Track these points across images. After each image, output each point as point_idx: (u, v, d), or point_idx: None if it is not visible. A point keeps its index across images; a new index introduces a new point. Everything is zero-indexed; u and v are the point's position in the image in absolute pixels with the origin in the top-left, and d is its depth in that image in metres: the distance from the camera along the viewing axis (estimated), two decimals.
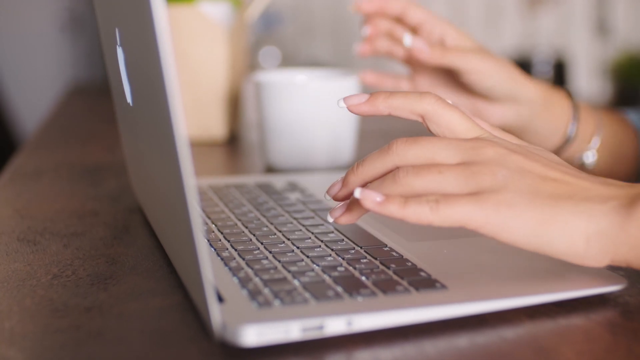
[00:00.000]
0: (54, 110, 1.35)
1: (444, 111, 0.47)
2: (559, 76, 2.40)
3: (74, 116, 1.31)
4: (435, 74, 0.74)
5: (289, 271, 0.46)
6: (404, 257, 0.50)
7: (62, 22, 2.21)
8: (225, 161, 0.95)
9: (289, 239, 0.53)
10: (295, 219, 0.59)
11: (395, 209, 0.43)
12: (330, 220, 0.47)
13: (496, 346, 0.41)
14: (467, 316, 0.43)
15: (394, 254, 0.50)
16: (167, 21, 0.36)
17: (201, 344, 0.41)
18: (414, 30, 0.73)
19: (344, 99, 0.49)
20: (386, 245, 0.52)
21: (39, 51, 2.20)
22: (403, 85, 0.75)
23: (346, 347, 0.40)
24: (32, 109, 2.12)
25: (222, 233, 0.55)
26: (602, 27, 2.51)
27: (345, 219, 0.47)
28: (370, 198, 0.44)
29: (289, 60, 1.99)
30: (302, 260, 0.49)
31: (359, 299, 0.43)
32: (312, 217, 0.59)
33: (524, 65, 2.40)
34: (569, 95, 0.74)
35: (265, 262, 0.48)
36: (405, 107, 0.48)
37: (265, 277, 0.45)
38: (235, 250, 0.51)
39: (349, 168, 0.47)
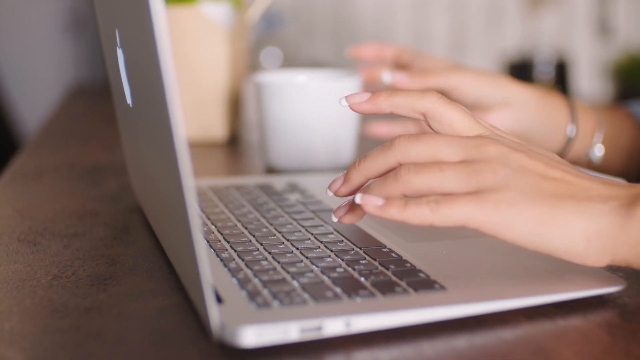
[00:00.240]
0: (55, 111, 1.36)
1: (445, 109, 0.47)
2: (561, 77, 2.40)
3: (75, 116, 1.31)
4: None
5: (288, 272, 0.47)
6: (403, 258, 0.50)
7: (64, 22, 2.21)
8: (226, 162, 0.95)
9: (288, 240, 0.53)
10: (295, 219, 0.59)
11: (395, 212, 0.43)
12: (335, 219, 0.48)
13: (494, 347, 0.41)
14: (466, 317, 0.43)
15: (393, 255, 0.50)
16: (166, 23, 0.36)
17: (200, 344, 0.41)
18: (406, 69, 0.78)
19: (346, 97, 0.49)
20: (385, 246, 0.52)
21: (40, 51, 2.21)
22: (410, 128, 0.80)
23: (345, 348, 0.40)
24: (33, 109, 2.12)
25: (221, 234, 0.55)
26: (603, 28, 2.51)
27: (349, 219, 0.47)
28: (370, 203, 0.44)
29: (290, 61, 1.99)
30: (302, 261, 0.49)
31: (358, 300, 0.43)
32: (312, 218, 0.59)
33: (526, 65, 2.40)
34: (564, 95, 0.75)
35: (264, 263, 0.48)
36: (406, 105, 0.48)
37: (265, 278, 0.46)
38: (235, 251, 0.51)
39: (351, 164, 0.47)
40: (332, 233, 0.55)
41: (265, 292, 0.44)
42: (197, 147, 0.97)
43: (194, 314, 0.44)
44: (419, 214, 0.43)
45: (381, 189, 0.44)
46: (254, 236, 0.55)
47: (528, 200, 0.42)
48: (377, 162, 0.46)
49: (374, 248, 0.51)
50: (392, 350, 0.40)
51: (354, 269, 0.47)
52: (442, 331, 0.42)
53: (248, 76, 1.10)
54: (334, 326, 0.40)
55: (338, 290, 0.44)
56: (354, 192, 0.47)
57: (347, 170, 0.47)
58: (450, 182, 0.43)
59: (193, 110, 0.98)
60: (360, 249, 0.52)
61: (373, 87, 0.79)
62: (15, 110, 2.17)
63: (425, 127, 0.78)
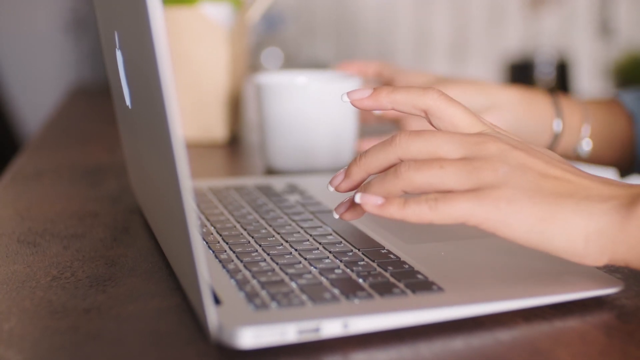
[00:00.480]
0: (56, 111, 1.36)
1: (446, 106, 0.47)
2: (562, 77, 2.40)
3: (76, 117, 1.32)
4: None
5: (287, 273, 0.47)
6: (401, 259, 0.50)
7: (65, 22, 2.22)
8: (226, 162, 0.95)
9: (287, 241, 0.54)
10: (294, 221, 0.59)
11: (395, 210, 0.43)
12: (336, 216, 0.48)
13: (492, 348, 0.41)
14: (463, 318, 0.43)
15: (392, 256, 0.50)
16: (164, 25, 0.37)
17: (198, 345, 0.41)
18: (387, 84, 0.85)
19: (348, 93, 0.49)
20: (384, 248, 0.52)
21: (42, 52, 2.21)
22: None
23: (342, 349, 0.40)
24: (35, 110, 2.12)
25: (220, 235, 0.55)
26: (604, 28, 2.51)
27: (349, 216, 0.47)
28: (370, 202, 0.44)
29: (292, 61, 1.99)
30: (300, 262, 0.49)
31: (356, 301, 0.43)
32: (311, 219, 0.59)
33: (527, 66, 2.40)
34: (549, 92, 0.77)
35: (263, 264, 0.48)
36: (408, 102, 0.48)
37: (263, 279, 0.46)
38: (234, 252, 0.51)
39: (353, 159, 0.48)
40: (331, 234, 0.55)
41: (263, 293, 0.44)
42: (197, 147, 0.97)
43: (192, 315, 0.44)
44: (418, 212, 0.43)
45: (381, 185, 0.45)
46: (253, 237, 0.55)
47: (528, 198, 0.42)
48: (378, 158, 0.46)
49: (373, 249, 0.52)
50: (390, 351, 0.40)
51: (352, 270, 0.48)
52: (440, 332, 0.42)
53: (248, 77, 1.11)
54: (332, 327, 0.40)
55: (336, 291, 0.44)
56: (354, 188, 0.48)
57: (348, 165, 0.48)
58: (450, 179, 0.43)
59: (193, 110, 0.98)
60: (358, 250, 0.52)
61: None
62: (17, 110, 2.18)
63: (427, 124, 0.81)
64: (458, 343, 0.41)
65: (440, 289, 0.45)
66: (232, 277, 0.46)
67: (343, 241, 0.54)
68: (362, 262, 0.49)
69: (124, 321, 0.44)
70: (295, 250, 0.52)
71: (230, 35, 0.98)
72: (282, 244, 0.53)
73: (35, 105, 2.14)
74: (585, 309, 0.45)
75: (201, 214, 0.61)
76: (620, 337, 0.42)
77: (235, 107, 1.02)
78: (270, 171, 0.84)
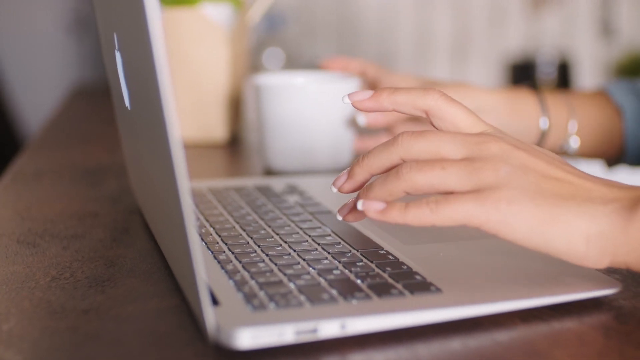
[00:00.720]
0: (57, 111, 1.36)
1: (447, 106, 0.48)
2: (563, 77, 2.40)
3: (77, 117, 1.32)
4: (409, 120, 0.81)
5: (285, 274, 0.47)
6: (400, 260, 0.50)
7: (67, 23, 2.22)
8: (226, 163, 0.95)
9: (285, 242, 0.54)
10: (293, 221, 0.59)
11: (396, 215, 0.44)
12: (339, 218, 0.48)
13: (489, 349, 0.41)
14: (461, 319, 0.43)
15: (390, 257, 0.50)
16: (162, 26, 0.37)
17: (197, 346, 0.41)
18: (372, 85, 0.86)
19: (349, 95, 0.49)
20: (382, 249, 0.52)
21: (44, 52, 2.21)
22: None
23: (340, 350, 0.40)
24: (37, 110, 2.13)
25: (219, 236, 0.55)
26: (606, 28, 2.51)
27: (352, 218, 0.48)
28: (372, 208, 0.44)
29: (293, 61, 2.00)
30: (298, 263, 0.49)
31: (354, 302, 0.43)
32: (310, 220, 0.59)
33: (528, 66, 2.41)
34: (534, 90, 0.77)
35: (261, 265, 0.49)
36: (409, 102, 0.48)
37: (261, 280, 0.46)
38: (232, 253, 0.51)
39: (355, 160, 0.48)
40: (329, 235, 0.55)
41: (261, 294, 0.44)
42: (198, 148, 0.97)
43: (191, 316, 0.44)
44: (420, 215, 0.43)
45: (383, 186, 0.45)
46: (251, 238, 0.55)
47: (529, 199, 0.42)
48: (380, 159, 0.46)
49: (371, 250, 0.52)
50: (388, 352, 0.41)
51: (350, 271, 0.48)
52: (437, 333, 0.42)
53: (249, 77, 1.11)
54: (329, 328, 0.40)
55: (334, 292, 0.44)
56: (358, 189, 0.48)
57: (351, 166, 0.48)
58: (452, 180, 0.43)
59: (194, 111, 0.98)
60: (357, 251, 0.52)
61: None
62: (19, 110, 2.18)
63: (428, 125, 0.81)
64: (456, 344, 0.42)
65: (438, 289, 0.45)
66: (230, 277, 0.47)
67: (342, 242, 0.54)
68: (360, 263, 0.49)
69: (123, 322, 0.44)
70: (294, 251, 0.52)
71: (230, 35, 0.98)
72: (281, 245, 0.53)
73: (37, 105, 2.14)
74: (583, 309, 0.45)
75: (201, 214, 0.62)
76: (618, 338, 0.42)
77: (236, 107, 1.02)
78: (269, 172, 0.84)
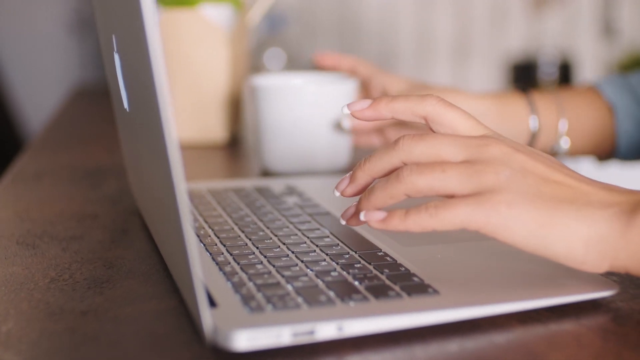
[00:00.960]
0: (58, 112, 1.36)
1: (446, 111, 0.48)
2: (565, 77, 2.40)
3: (77, 118, 1.32)
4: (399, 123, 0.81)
5: (283, 276, 0.47)
6: (398, 262, 0.50)
7: (69, 23, 2.22)
8: (226, 164, 0.95)
9: (284, 244, 0.54)
10: (291, 223, 0.59)
11: (397, 223, 0.44)
12: (343, 222, 0.48)
13: (486, 351, 0.41)
14: (459, 321, 0.43)
15: (388, 258, 0.50)
16: (159, 29, 0.37)
17: (194, 348, 0.41)
18: (364, 83, 0.86)
19: (348, 105, 0.50)
20: (380, 250, 0.52)
21: (45, 52, 2.21)
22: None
23: (337, 352, 0.41)
24: (38, 110, 2.13)
25: (218, 237, 0.56)
26: (607, 29, 2.51)
27: (355, 222, 0.48)
28: (374, 218, 0.45)
29: (294, 62, 2.00)
30: (296, 265, 0.49)
31: (351, 304, 0.43)
32: (309, 222, 0.59)
33: (530, 66, 2.40)
34: (523, 92, 0.77)
35: (259, 266, 0.49)
36: (407, 110, 0.48)
37: (259, 281, 0.46)
38: (231, 254, 0.51)
39: (356, 165, 0.48)
40: (327, 237, 0.55)
41: (259, 296, 0.44)
42: (197, 149, 0.97)
43: (189, 318, 0.44)
44: (420, 221, 0.43)
45: (384, 190, 0.45)
46: (250, 239, 0.55)
47: (528, 203, 0.43)
48: (382, 162, 0.47)
49: (369, 252, 0.52)
50: (385, 354, 0.41)
51: (348, 273, 0.48)
52: (435, 335, 0.42)
53: (249, 78, 1.11)
54: (326, 330, 0.40)
55: (331, 294, 0.44)
56: (360, 192, 0.48)
57: (353, 170, 0.48)
58: (452, 182, 0.44)
59: (193, 112, 0.98)
60: (355, 252, 0.52)
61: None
62: (20, 111, 2.18)
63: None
64: (453, 346, 0.42)
65: (435, 291, 0.45)
66: (228, 279, 0.47)
67: (340, 243, 0.54)
68: (358, 265, 0.49)
69: (121, 323, 0.44)
70: (292, 252, 0.52)
71: (230, 36, 0.98)
72: (279, 246, 0.53)
73: (38, 106, 2.14)
74: (581, 311, 0.45)
75: (200, 216, 0.62)
76: (616, 340, 0.42)
77: (236, 108, 1.02)
78: (266, 173, 0.84)
